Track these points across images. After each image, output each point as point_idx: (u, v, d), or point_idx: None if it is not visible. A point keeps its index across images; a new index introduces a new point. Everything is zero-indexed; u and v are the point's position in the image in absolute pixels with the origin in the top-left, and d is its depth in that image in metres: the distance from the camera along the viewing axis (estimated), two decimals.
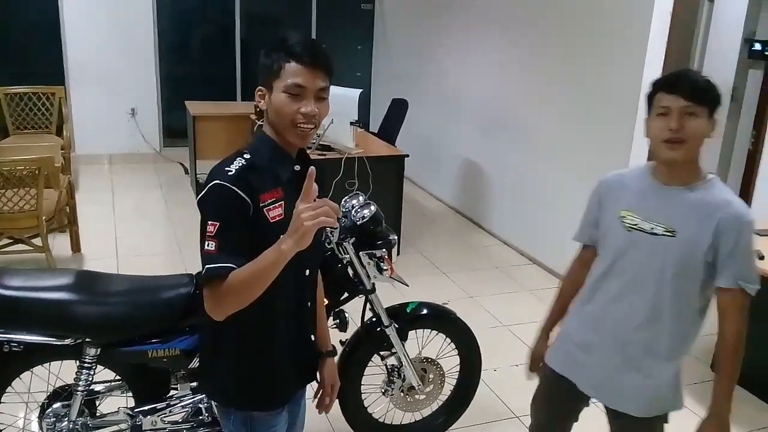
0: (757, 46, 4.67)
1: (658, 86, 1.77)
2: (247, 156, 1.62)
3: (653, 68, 4.00)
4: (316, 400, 2.01)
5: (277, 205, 1.62)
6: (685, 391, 3.38)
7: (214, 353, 1.78)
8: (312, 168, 1.49)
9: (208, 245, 1.52)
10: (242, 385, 1.75)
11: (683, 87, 1.72)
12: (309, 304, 1.83)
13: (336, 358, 2.08)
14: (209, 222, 1.54)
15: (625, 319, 1.87)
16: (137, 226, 5.53)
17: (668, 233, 1.78)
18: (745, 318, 1.81)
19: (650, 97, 1.80)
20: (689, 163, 1.78)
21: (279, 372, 1.78)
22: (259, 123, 1.62)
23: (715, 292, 1.81)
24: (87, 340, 2.06)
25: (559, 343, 2.09)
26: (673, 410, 1.95)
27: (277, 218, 1.61)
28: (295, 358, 1.82)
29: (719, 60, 5.28)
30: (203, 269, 1.53)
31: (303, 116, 1.59)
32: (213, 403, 2.18)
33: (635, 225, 1.84)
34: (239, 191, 1.54)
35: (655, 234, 1.80)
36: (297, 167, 1.69)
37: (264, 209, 1.59)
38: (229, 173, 1.56)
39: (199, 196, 1.59)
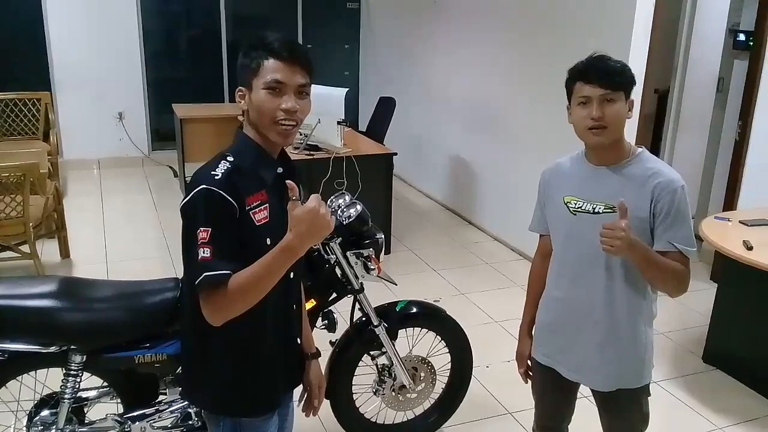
0: (742, 37, 4.68)
1: (576, 76, 1.84)
2: (230, 158, 1.60)
3: (638, 63, 4.00)
4: (302, 403, 2.00)
5: (262, 207, 1.61)
6: (679, 383, 3.42)
7: (201, 361, 1.76)
8: (291, 182, 1.51)
9: (203, 252, 1.49)
10: (231, 392, 1.74)
11: (600, 76, 1.80)
12: (294, 307, 1.83)
13: (326, 359, 2.07)
14: (201, 228, 1.51)
15: (587, 299, 1.95)
16: (127, 230, 5.50)
17: (609, 210, 1.86)
18: (686, 279, 1.87)
19: (569, 86, 1.87)
20: (615, 143, 1.87)
21: (268, 377, 1.77)
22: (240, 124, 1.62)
23: None
24: (72, 347, 2.04)
25: (537, 334, 2.15)
26: (646, 382, 2.02)
27: (263, 221, 1.60)
28: (282, 362, 1.81)
29: (704, 51, 5.29)
30: (200, 277, 1.50)
31: (283, 112, 1.58)
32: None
33: (579, 208, 1.92)
34: (227, 195, 1.52)
35: (598, 213, 1.88)
36: (280, 169, 1.68)
37: (250, 212, 1.58)
38: (216, 177, 1.54)
39: (184, 201, 1.55)
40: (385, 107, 6.09)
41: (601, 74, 1.80)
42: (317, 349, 2.03)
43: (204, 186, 1.53)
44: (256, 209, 1.59)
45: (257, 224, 1.59)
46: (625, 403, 2.02)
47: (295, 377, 1.92)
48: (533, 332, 2.18)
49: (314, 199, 1.48)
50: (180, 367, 2.10)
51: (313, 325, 2.34)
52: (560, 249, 2.02)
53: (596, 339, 1.96)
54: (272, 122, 1.59)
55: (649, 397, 2.04)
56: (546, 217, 2.07)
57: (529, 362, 2.22)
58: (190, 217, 1.54)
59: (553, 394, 2.18)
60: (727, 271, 3.61)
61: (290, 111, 1.58)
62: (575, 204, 1.93)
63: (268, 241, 1.58)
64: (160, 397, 2.24)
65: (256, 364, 1.74)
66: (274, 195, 1.64)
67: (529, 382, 2.25)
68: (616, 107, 1.80)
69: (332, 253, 2.43)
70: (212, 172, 1.55)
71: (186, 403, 2.21)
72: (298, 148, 4.62)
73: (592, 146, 1.90)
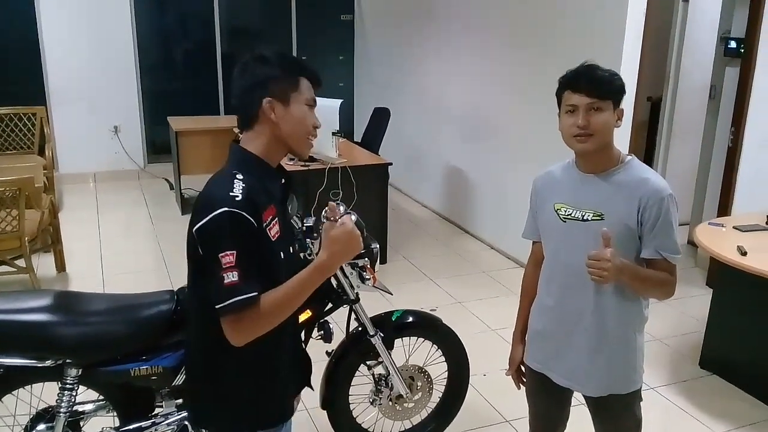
0: (733, 44, 4.71)
1: (564, 85, 1.86)
2: (240, 176, 1.57)
3: (630, 71, 4.02)
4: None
5: (275, 222, 1.60)
6: (675, 389, 3.42)
7: (211, 379, 1.73)
8: (332, 204, 1.67)
9: (230, 276, 1.47)
10: (248, 407, 1.73)
11: (587, 85, 1.81)
12: (299, 316, 1.85)
13: (322, 369, 2.07)
14: (226, 252, 1.48)
15: (578, 306, 1.96)
16: (123, 243, 5.50)
17: (597, 217, 1.88)
18: (673, 286, 1.90)
19: (558, 94, 1.89)
20: (603, 151, 1.87)
21: (283, 387, 1.78)
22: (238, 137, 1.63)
23: (644, 265, 1.90)
24: (68, 361, 2.04)
25: (529, 341, 2.16)
26: (637, 387, 2.02)
27: (276, 235, 1.60)
28: (293, 370, 1.83)
29: (696, 59, 5.33)
30: (228, 301, 1.47)
31: (315, 128, 1.70)
32: None
33: (569, 215, 1.93)
34: (249, 216, 1.51)
35: (587, 220, 1.89)
36: (283, 180, 1.71)
37: (266, 228, 1.57)
38: (236, 198, 1.51)
39: (202, 223, 1.51)
40: (380, 117, 6.11)
41: (588, 83, 1.81)
42: None
43: (226, 209, 1.49)
44: (271, 224, 1.59)
45: (273, 240, 1.58)
46: (617, 408, 2.02)
47: (302, 381, 1.94)
48: (526, 339, 2.18)
49: (348, 219, 1.53)
50: (175, 380, 2.11)
51: (309, 336, 2.34)
52: (551, 256, 2.03)
53: (587, 345, 1.96)
54: (307, 136, 1.68)
55: (641, 402, 2.05)
56: (537, 225, 2.08)
57: (522, 368, 2.23)
58: (211, 240, 1.51)
59: (546, 400, 2.19)
60: (722, 276, 3.62)
61: (317, 127, 1.71)
62: (565, 211, 1.94)
63: (282, 255, 1.59)
64: (156, 410, 2.24)
65: (272, 377, 1.73)
66: (280, 208, 1.66)
67: (523, 388, 2.26)
68: (603, 116, 1.81)
69: None
70: (231, 193, 1.51)
71: (182, 415, 2.21)
72: (293, 159, 4.63)
73: (578, 153, 1.92)
